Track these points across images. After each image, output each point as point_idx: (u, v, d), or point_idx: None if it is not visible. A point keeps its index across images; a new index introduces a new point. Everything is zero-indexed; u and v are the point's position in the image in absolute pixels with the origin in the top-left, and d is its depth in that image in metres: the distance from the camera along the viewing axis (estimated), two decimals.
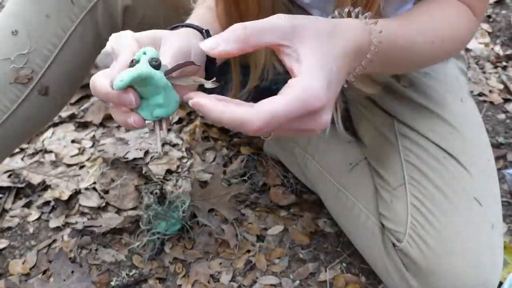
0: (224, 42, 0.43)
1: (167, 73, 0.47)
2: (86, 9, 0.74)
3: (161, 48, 0.51)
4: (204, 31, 0.58)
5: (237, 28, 0.43)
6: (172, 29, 0.60)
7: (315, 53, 0.44)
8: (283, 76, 1.03)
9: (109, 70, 0.48)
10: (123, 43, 0.48)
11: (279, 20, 0.44)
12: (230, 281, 0.85)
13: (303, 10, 0.84)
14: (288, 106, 0.41)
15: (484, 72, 1.34)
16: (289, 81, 0.44)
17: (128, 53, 0.47)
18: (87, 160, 1.08)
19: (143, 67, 0.44)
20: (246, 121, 0.41)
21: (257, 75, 0.75)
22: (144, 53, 0.46)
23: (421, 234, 0.68)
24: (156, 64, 0.46)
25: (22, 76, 0.72)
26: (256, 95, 0.97)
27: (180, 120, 1.18)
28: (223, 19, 0.65)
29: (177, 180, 1.02)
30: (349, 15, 0.53)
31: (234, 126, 0.42)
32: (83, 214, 0.96)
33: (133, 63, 0.46)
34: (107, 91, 0.46)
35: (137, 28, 0.89)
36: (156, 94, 0.46)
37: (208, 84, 0.48)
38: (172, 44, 0.51)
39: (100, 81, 0.47)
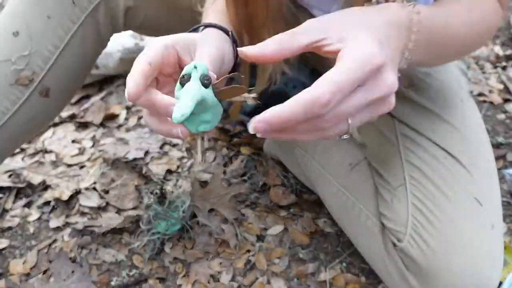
0: (267, 49, 0.43)
1: (219, 95, 0.46)
2: (87, 10, 0.74)
3: (197, 53, 0.50)
4: (230, 33, 0.58)
5: (286, 34, 0.43)
6: (194, 30, 0.59)
7: (358, 29, 0.43)
8: (293, 77, 1.04)
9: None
10: (149, 50, 0.48)
11: (312, 21, 0.45)
12: (230, 281, 0.85)
13: (306, 12, 0.85)
14: (347, 71, 0.40)
15: (484, 72, 1.34)
16: (340, 53, 0.42)
17: (144, 62, 0.46)
18: (87, 160, 1.08)
19: (197, 93, 0.43)
20: (314, 99, 0.39)
21: (264, 79, 0.74)
22: (195, 67, 0.45)
23: (422, 234, 0.68)
24: (207, 82, 0.45)
25: (23, 77, 0.71)
26: (267, 97, 0.97)
27: None
28: (233, 20, 0.65)
29: (177, 180, 1.02)
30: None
31: (307, 111, 0.39)
32: (83, 214, 0.97)
33: (184, 79, 0.45)
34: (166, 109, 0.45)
35: (138, 30, 0.90)
36: (205, 112, 0.46)
37: (251, 100, 0.47)
38: (208, 51, 0.50)
39: (162, 98, 0.46)
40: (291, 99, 0.40)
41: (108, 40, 0.83)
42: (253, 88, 0.48)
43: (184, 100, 0.43)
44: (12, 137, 0.77)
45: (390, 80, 0.43)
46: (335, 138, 0.45)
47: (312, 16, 0.89)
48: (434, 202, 0.70)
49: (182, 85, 0.45)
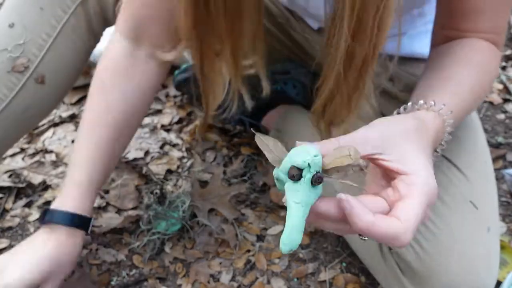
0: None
1: (324, 172, 0.42)
2: (77, 0, 0.78)
3: None
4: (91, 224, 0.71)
5: (331, 142, 0.44)
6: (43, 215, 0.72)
7: (412, 149, 0.46)
8: (293, 77, 1.05)
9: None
10: None
11: (368, 133, 0.46)
12: (230, 281, 0.85)
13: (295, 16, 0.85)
14: (421, 204, 0.42)
15: None
16: (404, 178, 0.43)
17: None
18: None
19: (305, 210, 0.40)
20: (400, 235, 0.41)
21: (214, 106, 0.79)
22: (309, 165, 0.40)
23: (417, 238, 0.68)
24: (318, 183, 0.40)
25: (18, 64, 0.75)
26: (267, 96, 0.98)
27: (180, 120, 1.18)
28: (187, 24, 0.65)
29: (177, 180, 1.02)
30: (412, 108, 0.55)
31: (384, 239, 0.41)
32: None
33: (294, 177, 0.40)
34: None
35: None
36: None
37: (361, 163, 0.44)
38: None
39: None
40: (379, 219, 0.40)
41: (101, 34, 0.86)
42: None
43: (292, 227, 0.40)
44: (11, 125, 0.79)
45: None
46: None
47: (300, 19, 0.89)
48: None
49: (291, 179, 0.40)
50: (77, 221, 0.72)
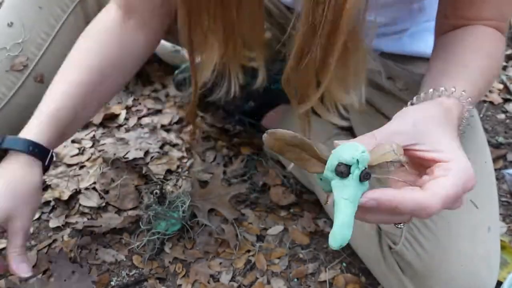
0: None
1: (371, 170, 0.42)
2: (76, 0, 0.79)
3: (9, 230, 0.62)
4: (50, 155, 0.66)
5: (367, 137, 0.45)
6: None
7: (445, 137, 0.47)
8: (280, 77, 1.04)
9: None
10: None
11: (401, 126, 0.47)
12: (230, 281, 0.85)
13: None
14: (456, 187, 0.43)
15: None
16: (443, 165, 0.44)
17: None
18: (87, 160, 1.08)
19: (354, 206, 0.41)
20: (428, 205, 0.41)
21: (201, 81, 0.77)
22: (357, 161, 0.40)
23: (417, 237, 0.68)
24: (367, 179, 0.41)
25: (17, 63, 0.76)
26: (267, 96, 0.98)
27: (180, 120, 1.18)
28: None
29: (177, 180, 1.02)
30: (432, 95, 0.55)
31: (413, 210, 0.42)
32: (83, 214, 0.97)
33: (342, 174, 0.40)
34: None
35: None
36: None
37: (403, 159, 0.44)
38: (22, 224, 0.63)
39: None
40: (405, 192, 0.42)
41: None
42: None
43: (342, 223, 0.40)
44: (9, 124, 0.78)
45: (463, 198, 0.45)
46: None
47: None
48: None
49: (338, 176, 0.41)
50: (32, 148, 0.66)
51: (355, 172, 0.40)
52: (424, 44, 0.80)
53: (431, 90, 0.55)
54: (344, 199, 0.40)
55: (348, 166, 0.40)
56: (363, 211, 0.43)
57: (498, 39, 0.66)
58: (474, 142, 0.76)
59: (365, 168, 0.40)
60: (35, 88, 0.78)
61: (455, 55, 0.63)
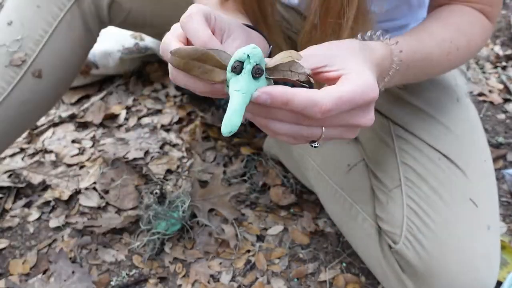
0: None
1: (270, 74, 0.45)
2: None
3: (237, 40, 0.52)
4: (269, 45, 0.61)
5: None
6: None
7: (357, 60, 0.48)
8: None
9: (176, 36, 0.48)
10: (193, 28, 0.47)
11: (316, 49, 0.48)
12: (230, 281, 0.85)
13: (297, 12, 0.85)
14: (352, 93, 0.43)
15: (484, 72, 1.34)
16: (343, 76, 0.45)
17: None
18: (87, 160, 1.08)
19: (246, 97, 0.43)
20: (318, 101, 0.42)
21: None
22: (248, 57, 0.43)
23: (417, 236, 0.68)
24: (259, 75, 0.44)
25: (16, 58, 0.78)
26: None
27: (180, 120, 1.18)
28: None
29: (177, 180, 1.02)
30: (370, 38, 0.56)
31: (305, 106, 0.42)
32: (83, 214, 0.97)
33: (236, 69, 0.43)
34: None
35: (123, 25, 0.93)
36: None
37: (303, 75, 0.46)
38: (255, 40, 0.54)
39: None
40: (299, 89, 0.43)
41: (98, 34, 0.89)
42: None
43: (232, 111, 0.42)
44: (9, 120, 0.81)
45: (371, 116, 0.47)
46: (302, 142, 0.48)
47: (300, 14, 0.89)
48: (429, 203, 0.70)
49: (234, 73, 0.44)
50: None
51: (247, 67, 0.43)
52: None
53: (369, 33, 0.56)
54: (236, 90, 0.43)
55: (242, 63, 0.43)
56: (260, 110, 0.44)
57: (477, 19, 0.66)
58: (473, 141, 0.76)
59: (257, 64, 0.43)
60: (33, 83, 0.80)
61: (423, 24, 0.64)
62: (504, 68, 1.35)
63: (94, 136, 1.15)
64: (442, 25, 0.64)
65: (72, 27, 0.82)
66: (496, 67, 1.35)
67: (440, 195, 0.69)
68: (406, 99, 0.79)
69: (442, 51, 0.62)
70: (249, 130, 1.12)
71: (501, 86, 1.28)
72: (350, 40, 0.52)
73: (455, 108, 0.78)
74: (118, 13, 0.87)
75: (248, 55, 0.43)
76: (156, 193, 0.92)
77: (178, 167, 1.06)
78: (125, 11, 0.87)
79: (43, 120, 1.18)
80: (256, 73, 0.43)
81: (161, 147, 1.11)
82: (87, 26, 0.84)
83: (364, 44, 0.52)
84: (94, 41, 0.89)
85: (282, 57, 0.45)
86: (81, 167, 1.07)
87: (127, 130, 1.16)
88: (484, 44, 0.71)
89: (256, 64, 0.43)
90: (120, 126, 1.18)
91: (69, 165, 1.07)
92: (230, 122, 0.42)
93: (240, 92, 0.43)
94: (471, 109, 0.81)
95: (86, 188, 1.01)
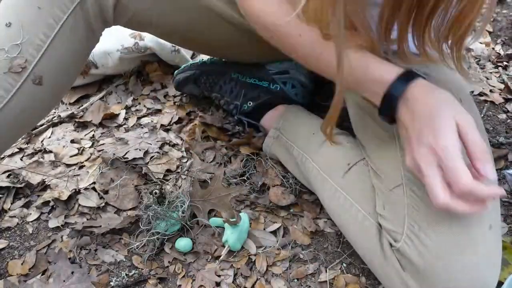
0: None
1: None
2: (76, 0, 0.77)
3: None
4: None
5: None
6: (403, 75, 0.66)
7: None
8: (292, 77, 1.07)
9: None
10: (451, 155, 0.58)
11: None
12: (231, 282, 0.85)
13: None
14: None
15: (485, 72, 1.33)
16: None
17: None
18: (87, 160, 1.08)
19: None
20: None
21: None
22: None
23: (418, 234, 0.68)
24: None
25: (15, 65, 0.74)
26: (257, 95, 0.98)
27: (179, 120, 1.18)
28: None
29: (176, 180, 1.02)
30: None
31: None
32: (82, 214, 0.96)
33: None
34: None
35: (128, 25, 0.90)
36: None
37: None
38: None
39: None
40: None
41: (100, 34, 0.85)
42: None
43: None
44: (7, 127, 0.78)
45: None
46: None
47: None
48: (430, 202, 0.69)
49: None
50: None
51: None
52: None
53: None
54: None
55: None
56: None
57: None
58: None
59: None
60: (33, 91, 0.77)
61: None
62: (505, 67, 1.35)
63: (93, 136, 1.15)
64: None
65: (74, 29, 0.78)
66: (497, 66, 1.35)
67: None
68: None
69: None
70: (248, 130, 1.12)
71: (502, 86, 1.28)
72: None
73: None
74: (124, 14, 0.85)
75: None
76: (155, 193, 0.92)
77: (177, 167, 1.06)
78: (131, 11, 0.85)
79: (42, 120, 1.18)
80: None
81: (161, 147, 1.10)
82: (90, 27, 0.81)
83: None
84: (97, 41, 0.86)
85: None
86: (80, 167, 1.06)
87: (127, 130, 1.16)
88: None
89: None
90: (120, 126, 1.18)
91: (68, 165, 1.07)
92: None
93: None
94: (473, 109, 0.81)
95: (86, 188, 1.01)
